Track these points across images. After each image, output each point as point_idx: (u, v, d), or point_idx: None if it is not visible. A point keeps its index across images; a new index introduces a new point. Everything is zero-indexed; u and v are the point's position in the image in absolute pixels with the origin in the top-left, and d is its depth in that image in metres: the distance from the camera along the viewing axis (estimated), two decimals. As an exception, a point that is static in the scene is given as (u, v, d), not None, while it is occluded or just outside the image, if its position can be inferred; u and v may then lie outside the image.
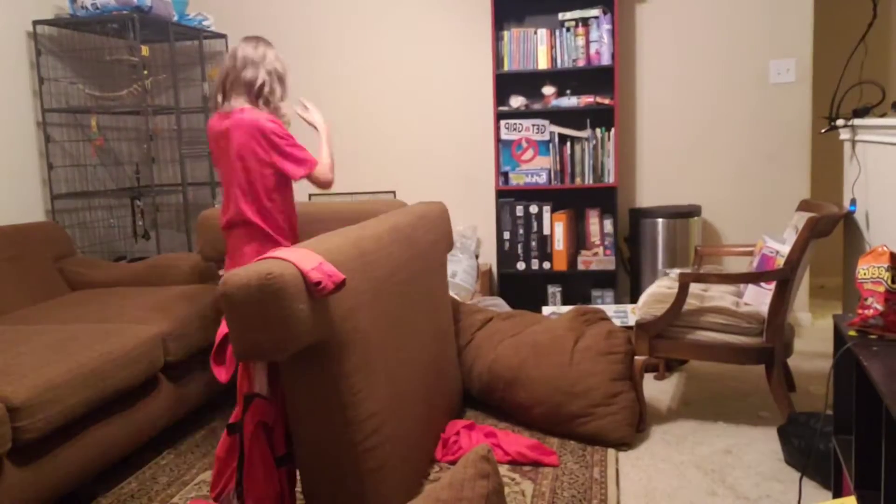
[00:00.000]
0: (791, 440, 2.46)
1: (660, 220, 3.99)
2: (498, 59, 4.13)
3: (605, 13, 4.01)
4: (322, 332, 1.78)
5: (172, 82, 4.28)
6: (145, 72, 3.94)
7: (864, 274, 1.93)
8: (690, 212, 4.00)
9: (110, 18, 3.91)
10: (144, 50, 3.92)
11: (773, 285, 2.73)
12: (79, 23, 3.99)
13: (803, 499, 2.25)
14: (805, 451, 2.39)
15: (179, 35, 4.38)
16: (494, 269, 4.37)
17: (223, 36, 4.64)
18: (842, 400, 2.08)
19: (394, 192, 4.64)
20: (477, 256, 4.36)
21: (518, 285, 4.29)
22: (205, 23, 4.45)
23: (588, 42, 4.06)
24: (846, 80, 3.25)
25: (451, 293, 3.69)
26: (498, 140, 4.16)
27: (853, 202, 3.14)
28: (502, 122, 4.15)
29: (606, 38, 4.01)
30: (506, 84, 4.23)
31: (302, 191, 4.75)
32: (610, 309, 3.78)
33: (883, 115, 3.03)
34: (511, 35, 4.13)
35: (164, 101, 4.67)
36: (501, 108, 4.17)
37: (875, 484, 1.77)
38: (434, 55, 4.48)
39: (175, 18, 4.22)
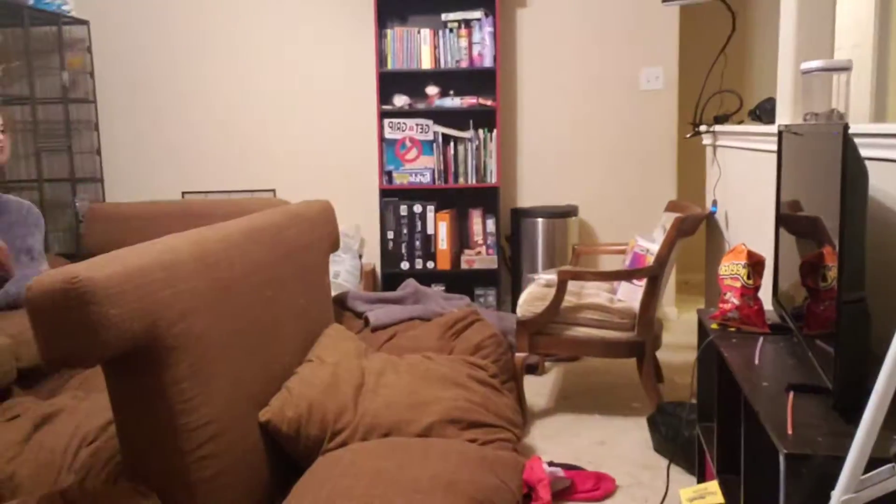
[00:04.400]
0: (659, 429, 2.58)
1: (539, 220, 4.09)
2: (381, 58, 4.10)
3: (487, 15, 4.07)
4: (144, 338, 1.68)
5: (27, 70, 3.95)
6: (-5, 57, 3.61)
7: (725, 270, 2.05)
8: (568, 212, 4.14)
9: (-47, -3, 3.56)
10: (-6, 33, 3.59)
11: (644, 282, 2.86)
12: (-85, 0, 3.60)
13: (671, 484, 2.36)
14: (672, 438, 2.51)
15: (36, 20, 4.05)
16: (378, 269, 4.33)
17: (85, 22, 4.33)
18: (705, 389, 2.21)
19: (273, 191, 4.50)
20: (360, 256, 4.31)
21: (402, 285, 4.27)
22: (64, 7, 4.14)
23: (471, 43, 4.10)
24: (708, 89, 3.47)
25: (334, 294, 3.62)
26: (381, 139, 4.13)
27: (714, 203, 3.35)
28: (386, 121, 4.12)
29: (488, 41, 4.07)
30: (389, 83, 4.20)
31: (174, 188, 4.52)
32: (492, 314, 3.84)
33: (740, 122, 3.25)
34: (394, 34, 4.10)
35: (17, 90, 4.30)
36: (385, 107, 4.14)
37: (735, 468, 1.88)
38: (316, 52, 4.39)
39: (31, 2, 3.90)
